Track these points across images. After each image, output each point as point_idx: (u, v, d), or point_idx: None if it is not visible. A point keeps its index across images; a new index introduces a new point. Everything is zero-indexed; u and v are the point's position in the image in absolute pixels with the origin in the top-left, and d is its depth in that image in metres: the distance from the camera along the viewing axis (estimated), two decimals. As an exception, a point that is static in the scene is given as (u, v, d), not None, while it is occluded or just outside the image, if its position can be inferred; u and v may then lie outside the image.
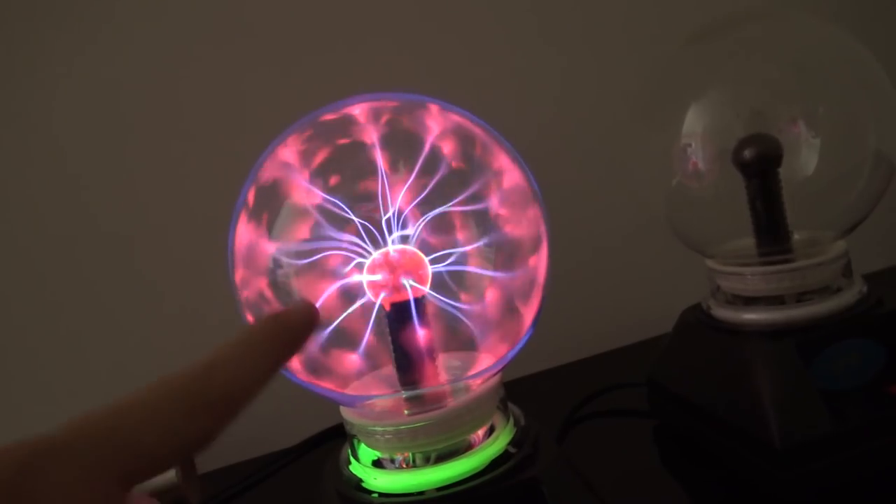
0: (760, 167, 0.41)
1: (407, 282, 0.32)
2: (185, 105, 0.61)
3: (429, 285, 0.32)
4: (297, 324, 0.21)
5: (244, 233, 0.32)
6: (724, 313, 0.43)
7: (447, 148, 0.33)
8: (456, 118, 0.34)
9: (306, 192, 0.32)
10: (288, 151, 0.33)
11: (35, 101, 0.57)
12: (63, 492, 0.15)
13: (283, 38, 0.62)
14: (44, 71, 0.57)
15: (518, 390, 0.38)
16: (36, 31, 0.57)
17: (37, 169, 0.58)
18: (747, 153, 0.41)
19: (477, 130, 0.34)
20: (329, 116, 0.33)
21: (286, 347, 0.21)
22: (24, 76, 0.57)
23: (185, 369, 0.18)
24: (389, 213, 0.32)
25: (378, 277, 0.31)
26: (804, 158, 0.41)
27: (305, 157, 0.33)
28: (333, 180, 0.32)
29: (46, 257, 0.59)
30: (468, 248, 0.32)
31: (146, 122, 0.60)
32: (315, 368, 0.32)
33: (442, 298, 0.32)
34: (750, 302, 0.42)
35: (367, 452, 0.33)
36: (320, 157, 0.33)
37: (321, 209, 0.32)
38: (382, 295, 0.31)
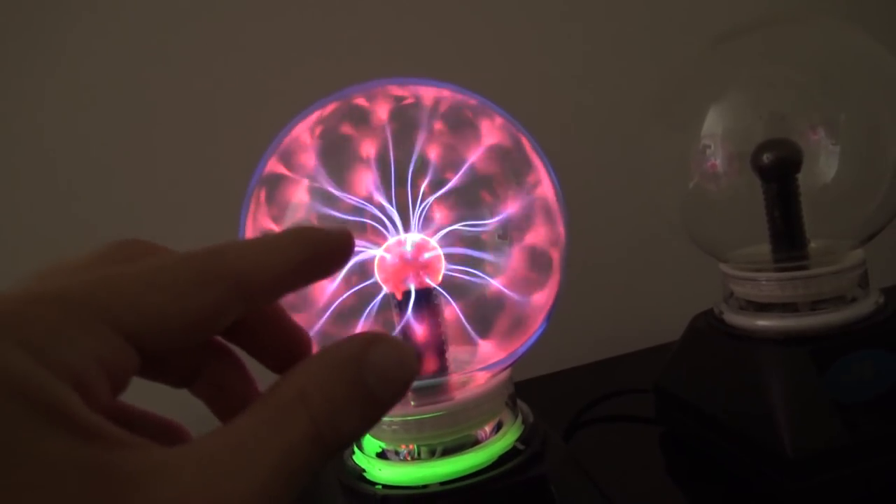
0: (779, 172, 0.40)
1: (419, 270, 0.31)
2: (197, 87, 0.60)
3: (441, 275, 0.31)
4: (328, 243, 0.18)
5: (255, 214, 0.32)
6: (736, 319, 0.43)
7: (471, 140, 0.32)
8: (489, 112, 0.33)
9: (316, 178, 0.31)
10: (305, 133, 0.32)
11: (53, 81, 0.57)
12: (57, 333, 0.13)
13: (300, 22, 0.62)
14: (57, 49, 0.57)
15: (523, 392, 0.37)
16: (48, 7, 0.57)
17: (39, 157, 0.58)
18: (766, 157, 0.40)
19: (500, 121, 0.33)
20: (347, 101, 0.33)
21: (313, 263, 0.18)
22: (41, 50, 0.57)
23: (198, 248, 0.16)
24: (406, 203, 0.31)
25: (387, 255, 0.31)
26: (824, 165, 0.41)
27: (322, 140, 0.32)
28: (348, 167, 0.31)
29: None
30: (483, 235, 0.31)
31: (156, 108, 0.60)
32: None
33: (455, 286, 0.31)
34: (763, 308, 0.42)
35: (371, 443, 0.33)
36: (336, 141, 0.32)
37: (334, 196, 0.31)
38: (380, 264, 0.31)
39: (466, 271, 0.31)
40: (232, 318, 0.16)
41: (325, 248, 0.18)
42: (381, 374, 0.15)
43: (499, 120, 0.33)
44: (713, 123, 0.42)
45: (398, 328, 0.32)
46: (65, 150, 0.58)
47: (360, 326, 0.31)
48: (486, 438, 0.32)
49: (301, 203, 0.31)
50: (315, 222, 0.31)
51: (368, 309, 0.31)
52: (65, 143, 0.58)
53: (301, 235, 0.18)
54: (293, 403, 0.15)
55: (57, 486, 0.12)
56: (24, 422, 0.12)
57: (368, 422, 0.16)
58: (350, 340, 0.16)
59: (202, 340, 0.16)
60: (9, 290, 0.14)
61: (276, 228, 0.31)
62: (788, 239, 0.41)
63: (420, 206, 0.31)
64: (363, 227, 0.31)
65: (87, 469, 0.12)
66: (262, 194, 0.32)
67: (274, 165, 0.32)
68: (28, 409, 0.12)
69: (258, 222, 0.32)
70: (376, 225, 0.31)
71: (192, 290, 0.15)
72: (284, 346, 0.19)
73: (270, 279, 0.17)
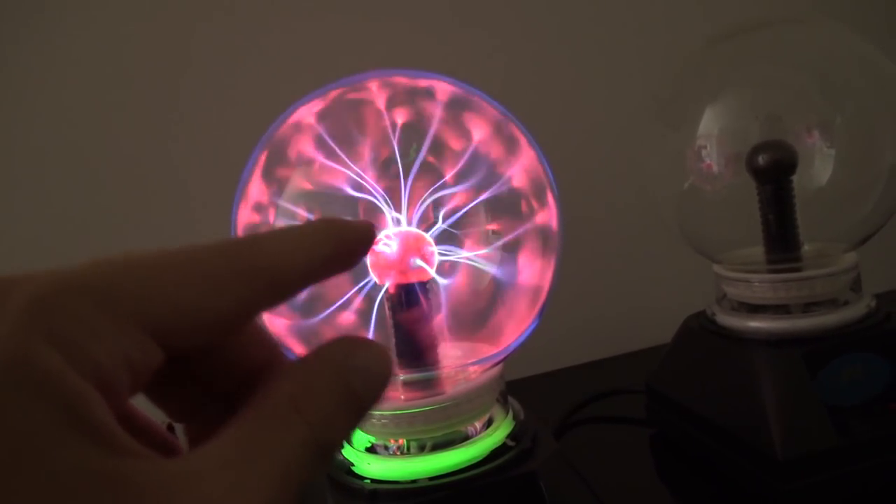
0: (774, 174, 0.40)
1: (412, 264, 0.31)
2: (193, 76, 0.60)
3: (434, 269, 0.31)
4: (354, 237, 0.18)
5: (252, 196, 0.31)
6: (728, 320, 0.43)
7: (468, 134, 0.32)
8: (488, 107, 0.33)
9: (314, 168, 0.31)
10: (302, 121, 0.32)
11: (43, 68, 0.57)
12: (89, 328, 0.12)
13: (302, 14, 0.61)
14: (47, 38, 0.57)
15: (515, 392, 0.37)
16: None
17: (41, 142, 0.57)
18: (761, 159, 0.40)
19: (497, 115, 0.33)
20: (342, 91, 0.33)
21: (339, 256, 0.17)
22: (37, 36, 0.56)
23: (226, 239, 0.15)
24: (400, 198, 0.31)
25: (384, 246, 0.30)
26: (819, 168, 0.41)
27: (314, 130, 0.32)
28: (342, 158, 0.31)
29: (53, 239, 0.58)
30: (478, 230, 0.31)
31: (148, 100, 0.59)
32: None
33: (447, 281, 0.31)
34: (755, 310, 0.42)
35: (360, 438, 0.33)
36: (328, 132, 0.32)
37: (328, 186, 0.31)
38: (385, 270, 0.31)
39: (459, 266, 0.31)
40: (261, 314, 0.16)
41: (351, 242, 0.17)
42: (365, 379, 0.16)
43: (498, 116, 0.33)
44: (709, 124, 0.42)
45: (390, 322, 0.31)
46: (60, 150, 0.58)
47: (352, 320, 0.31)
48: (477, 434, 0.32)
49: (293, 191, 0.31)
50: (307, 212, 0.31)
51: (358, 299, 0.30)
52: (59, 143, 0.58)
53: (330, 228, 0.17)
54: (287, 411, 0.14)
55: (66, 494, 0.11)
56: (44, 425, 0.11)
57: (355, 424, 0.16)
58: (331, 346, 0.16)
59: (227, 337, 0.16)
60: (36, 274, 0.13)
61: (269, 218, 0.31)
62: (782, 241, 0.41)
63: (415, 201, 0.31)
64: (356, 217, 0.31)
65: (101, 478, 0.12)
66: (257, 180, 0.32)
67: (269, 152, 0.32)
68: (50, 411, 0.12)
69: (249, 208, 0.31)
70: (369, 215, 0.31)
71: (230, 285, 0.14)
72: (258, 353, 0.18)
73: (301, 273, 0.16)
